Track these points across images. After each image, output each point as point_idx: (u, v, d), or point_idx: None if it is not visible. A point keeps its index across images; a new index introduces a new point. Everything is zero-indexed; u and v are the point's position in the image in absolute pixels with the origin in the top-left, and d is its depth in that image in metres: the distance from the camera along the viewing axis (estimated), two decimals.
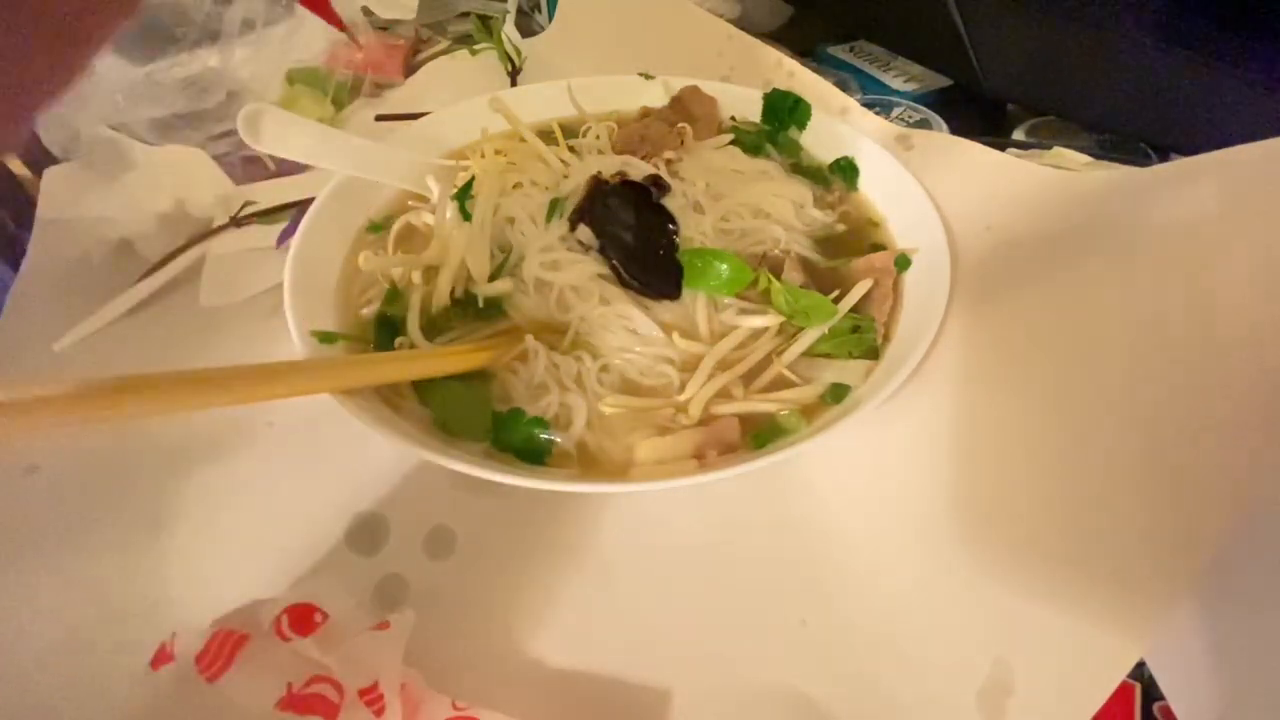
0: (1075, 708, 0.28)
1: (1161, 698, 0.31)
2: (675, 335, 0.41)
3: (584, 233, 0.43)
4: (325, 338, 0.40)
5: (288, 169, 0.56)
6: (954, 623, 0.32)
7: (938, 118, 0.61)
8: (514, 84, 0.67)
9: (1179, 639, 0.30)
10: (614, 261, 0.42)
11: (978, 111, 0.66)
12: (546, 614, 0.34)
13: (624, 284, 0.42)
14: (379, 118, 0.65)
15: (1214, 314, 0.32)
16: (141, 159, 0.53)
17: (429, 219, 0.47)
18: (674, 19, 0.66)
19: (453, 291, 0.43)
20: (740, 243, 0.46)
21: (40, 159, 0.62)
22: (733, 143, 0.52)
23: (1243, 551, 0.28)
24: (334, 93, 0.65)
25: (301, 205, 0.49)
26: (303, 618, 0.33)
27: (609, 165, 0.47)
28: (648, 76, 0.58)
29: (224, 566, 0.36)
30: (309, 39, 0.64)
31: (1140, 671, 0.31)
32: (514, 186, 0.47)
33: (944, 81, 0.67)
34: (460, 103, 0.56)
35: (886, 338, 0.42)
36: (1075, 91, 0.58)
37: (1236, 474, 0.29)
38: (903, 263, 0.45)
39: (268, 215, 0.53)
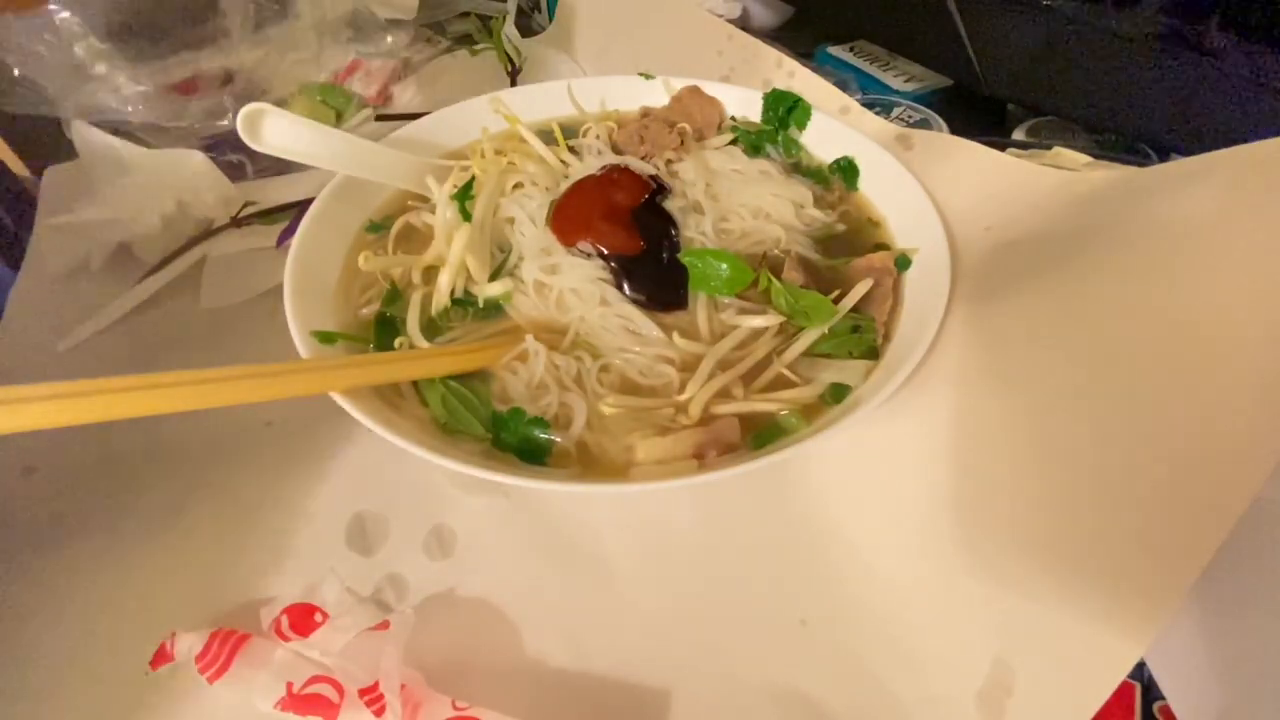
0: (1075, 708, 0.28)
1: (1161, 698, 0.31)
2: (675, 335, 0.41)
3: None
4: (325, 338, 0.40)
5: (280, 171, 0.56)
6: (954, 623, 0.32)
7: (938, 118, 0.61)
8: (514, 84, 0.67)
9: (1179, 639, 0.30)
10: (620, 281, 0.43)
11: (978, 111, 0.66)
12: (546, 614, 0.34)
13: (631, 300, 0.42)
14: (379, 118, 0.65)
15: (1214, 314, 0.32)
16: (141, 161, 0.53)
17: (429, 219, 0.47)
18: (674, 19, 0.66)
19: (453, 291, 0.43)
20: (740, 243, 0.46)
21: (40, 159, 0.62)
22: (733, 143, 0.52)
23: (1243, 552, 0.28)
24: (339, 104, 0.65)
25: (301, 205, 0.49)
26: (303, 618, 0.33)
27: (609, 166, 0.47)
28: (648, 76, 0.58)
29: (224, 566, 0.36)
30: (307, 39, 0.64)
31: (1140, 671, 0.31)
32: (514, 187, 0.47)
33: (944, 81, 0.68)
34: (460, 103, 0.56)
35: (886, 338, 0.42)
36: (1075, 91, 0.58)
37: (1237, 474, 0.29)
38: (903, 263, 0.45)
39: (268, 215, 0.53)
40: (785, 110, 0.55)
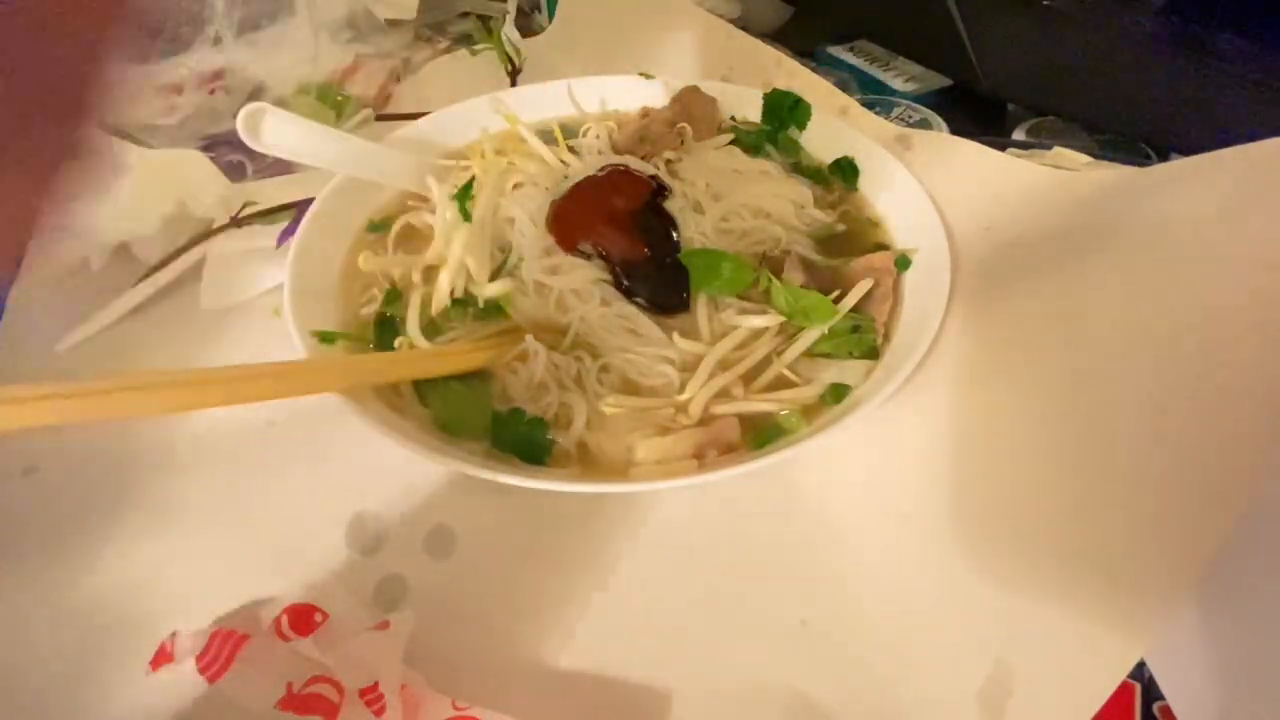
0: (1075, 708, 0.28)
1: (1161, 698, 0.31)
2: (675, 335, 0.41)
3: None
4: (325, 338, 0.40)
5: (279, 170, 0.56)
6: (954, 623, 0.32)
7: (938, 118, 0.61)
8: (514, 84, 0.67)
9: (1179, 639, 0.30)
10: (621, 284, 0.43)
11: (978, 111, 0.66)
12: (546, 614, 0.34)
13: (635, 305, 0.42)
14: (379, 118, 0.65)
15: (1214, 314, 0.32)
16: (140, 161, 0.53)
17: (429, 219, 0.47)
18: (674, 19, 0.66)
19: (453, 291, 0.43)
20: (741, 243, 0.46)
21: None
22: (733, 143, 0.52)
23: (1244, 551, 0.28)
24: (338, 104, 0.65)
25: (301, 205, 0.49)
26: (303, 618, 0.33)
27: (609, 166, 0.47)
28: (648, 76, 0.58)
29: (224, 566, 0.36)
30: (305, 39, 0.64)
31: (1140, 671, 0.31)
32: (514, 187, 0.47)
33: (944, 81, 0.67)
34: (460, 103, 0.56)
35: (886, 338, 0.42)
36: (1075, 91, 0.58)
37: (1237, 474, 0.29)
38: (903, 263, 0.45)
39: (268, 215, 0.53)
40: (785, 110, 0.55)
